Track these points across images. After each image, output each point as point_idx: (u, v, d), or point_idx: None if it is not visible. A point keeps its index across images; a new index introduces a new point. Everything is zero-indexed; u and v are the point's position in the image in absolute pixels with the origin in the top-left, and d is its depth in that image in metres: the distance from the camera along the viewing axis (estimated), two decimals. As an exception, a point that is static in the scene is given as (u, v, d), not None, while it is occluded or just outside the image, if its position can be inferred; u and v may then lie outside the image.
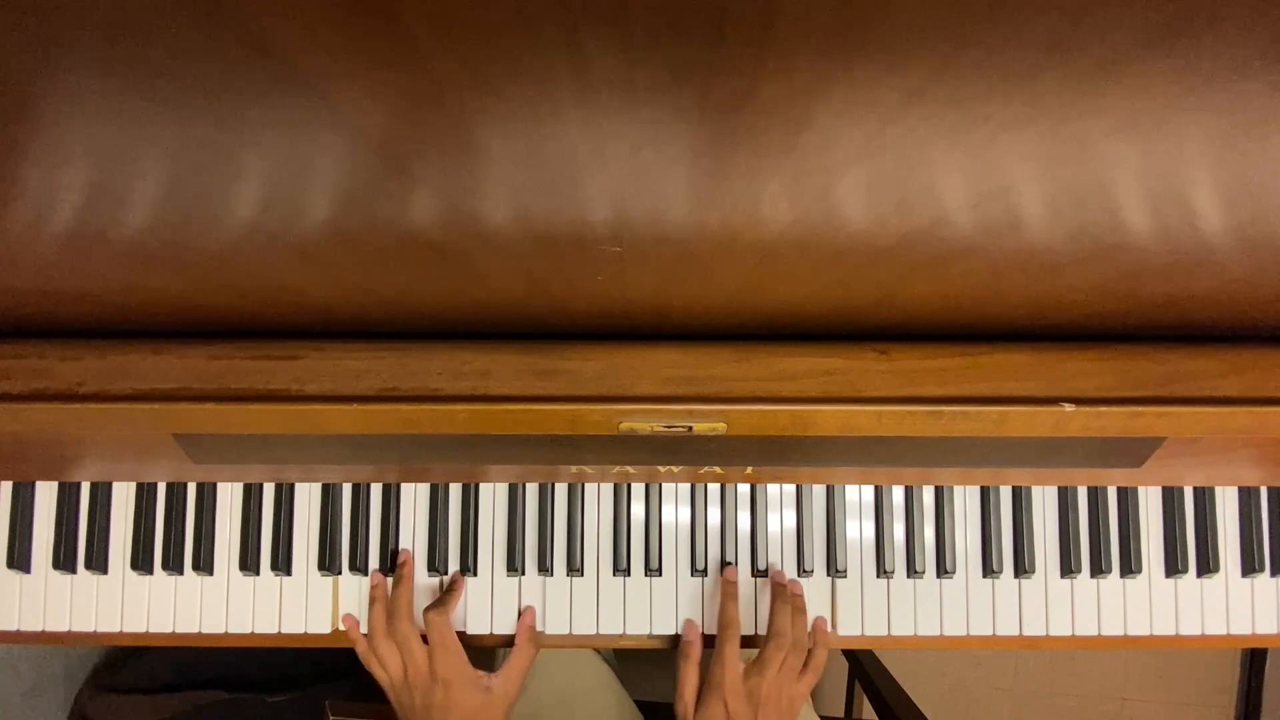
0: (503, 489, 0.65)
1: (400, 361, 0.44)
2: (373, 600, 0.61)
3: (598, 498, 0.65)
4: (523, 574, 0.64)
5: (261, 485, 0.65)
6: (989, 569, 0.64)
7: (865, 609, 0.64)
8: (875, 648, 0.74)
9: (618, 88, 0.19)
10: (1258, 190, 0.25)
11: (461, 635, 0.63)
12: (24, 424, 0.44)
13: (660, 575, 0.64)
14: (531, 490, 0.65)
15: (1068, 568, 0.63)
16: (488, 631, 0.63)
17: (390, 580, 0.63)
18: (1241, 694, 1.37)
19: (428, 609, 0.60)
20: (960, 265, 0.33)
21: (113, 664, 0.94)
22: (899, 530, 0.65)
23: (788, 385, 0.44)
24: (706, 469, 0.59)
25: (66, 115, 0.20)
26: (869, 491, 0.65)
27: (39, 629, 0.64)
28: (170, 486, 0.65)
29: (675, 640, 0.63)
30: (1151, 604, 0.64)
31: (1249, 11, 0.16)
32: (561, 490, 0.65)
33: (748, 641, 0.62)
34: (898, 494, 0.65)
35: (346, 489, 0.65)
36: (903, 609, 0.64)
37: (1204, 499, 0.64)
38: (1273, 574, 0.64)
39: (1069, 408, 0.43)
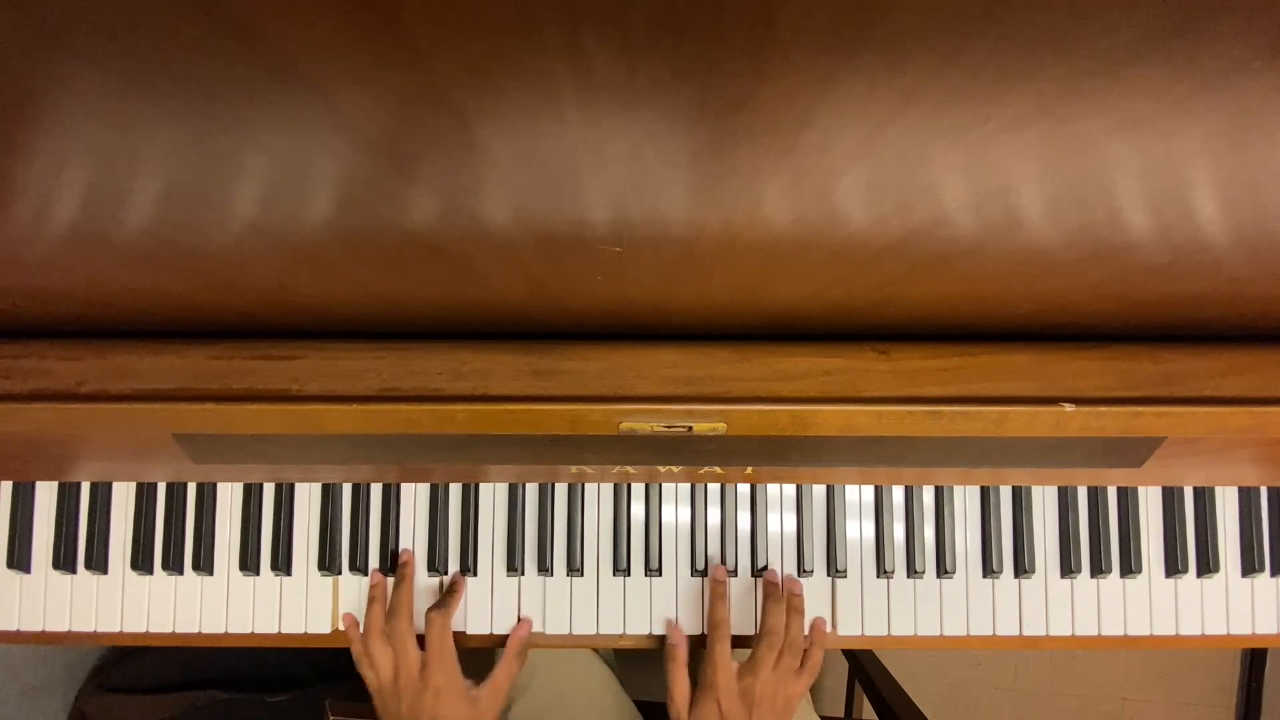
0: (503, 489, 0.65)
1: (400, 361, 0.44)
2: (372, 600, 0.61)
3: (598, 498, 0.65)
4: (522, 574, 0.64)
5: (261, 485, 0.65)
6: (989, 569, 0.64)
7: (865, 609, 0.64)
8: (875, 648, 0.74)
9: (618, 87, 0.19)
10: (1258, 190, 0.25)
11: (460, 635, 0.63)
12: (24, 424, 0.44)
13: (660, 575, 0.64)
14: (531, 490, 0.65)
15: (1068, 568, 0.63)
16: (488, 631, 0.63)
17: (390, 580, 0.63)
18: (1241, 694, 1.37)
19: (431, 609, 0.59)
20: (960, 265, 0.33)
21: (113, 664, 0.94)
22: (899, 530, 0.65)
23: (788, 385, 0.44)
24: (706, 469, 0.59)
25: (66, 115, 0.20)
26: (869, 491, 0.65)
27: (39, 629, 0.64)
28: (170, 486, 0.65)
29: (675, 640, 0.63)
30: (1151, 604, 0.64)
31: (1249, 11, 0.16)
32: (561, 490, 0.65)
33: (747, 642, 0.61)
34: (898, 494, 0.65)
35: (346, 489, 0.65)
36: (903, 609, 0.64)
37: (1204, 499, 0.64)
38: (1273, 574, 0.64)
39: (1069, 408, 0.43)
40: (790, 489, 0.65)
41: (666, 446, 0.52)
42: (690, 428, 0.45)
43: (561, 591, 0.64)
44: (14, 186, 0.25)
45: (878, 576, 0.64)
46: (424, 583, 0.64)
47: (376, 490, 0.65)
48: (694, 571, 0.64)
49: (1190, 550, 0.64)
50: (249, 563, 0.64)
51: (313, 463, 0.58)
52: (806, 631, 0.62)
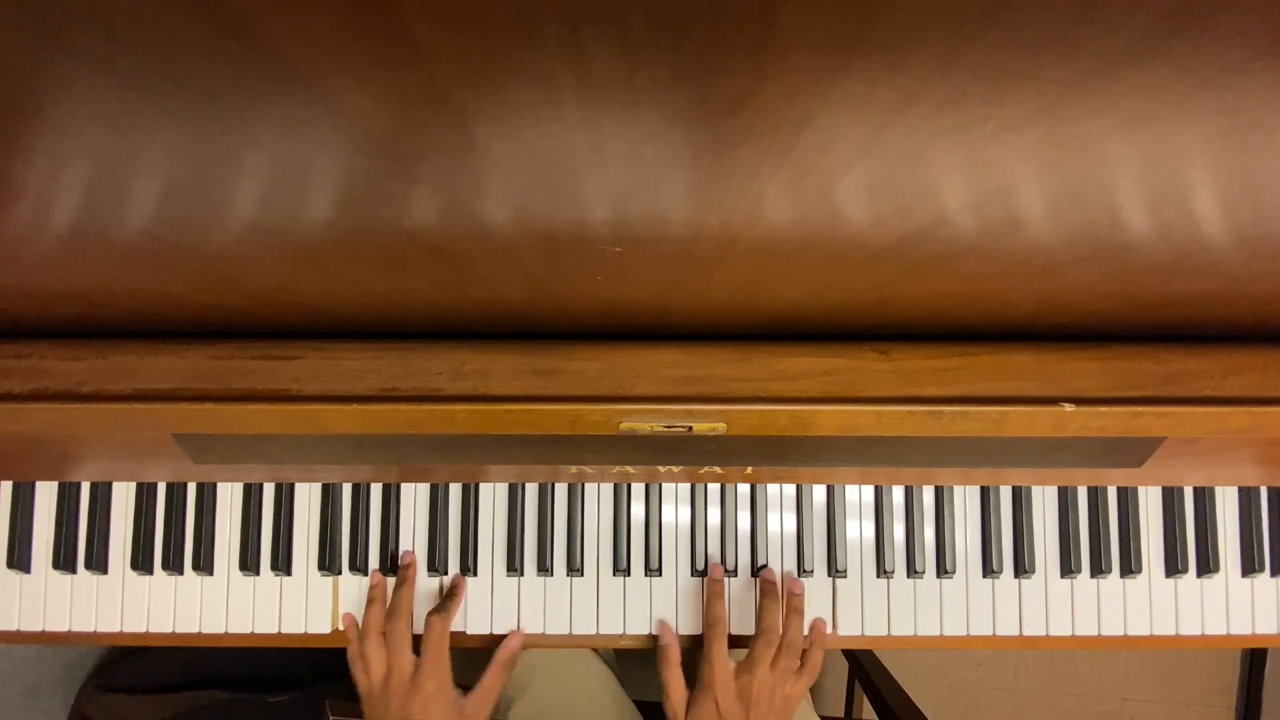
0: (503, 489, 0.65)
1: (400, 361, 0.44)
2: (371, 600, 0.61)
3: (598, 498, 0.65)
4: (522, 574, 0.64)
5: (261, 485, 0.65)
6: (989, 569, 0.64)
7: (865, 609, 0.64)
8: (875, 648, 0.74)
9: (618, 87, 0.19)
10: (1258, 190, 0.25)
11: (460, 635, 0.63)
12: (24, 424, 0.44)
13: (660, 575, 0.64)
14: (531, 490, 0.65)
15: (1068, 568, 0.63)
16: (488, 632, 0.63)
17: (391, 580, 0.63)
18: (1241, 694, 1.37)
19: (431, 613, 0.59)
20: (960, 265, 0.33)
21: (113, 664, 0.94)
22: (899, 530, 0.65)
23: (788, 385, 0.44)
24: (706, 469, 0.59)
25: (66, 115, 0.20)
26: (869, 491, 0.65)
27: (39, 629, 0.64)
28: (170, 486, 0.65)
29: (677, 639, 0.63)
30: (1151, 604, 0.64)
31: (1249, 11, 0.16)
32: (561, 490, 0.65)
33: (746, 642, 0.61)
34: (898, 494, 0.65)
35: (346, 489, 0.65)
36: (903, 609, 0.64)
37: (1204, 499, 0.64)
38: (1273, 574, 0.64)
39: (1069, 408, 0.43)
40: (790, 489, 0.65)
41: (666, 446, 0.52)
42: (690, 428, 0.45)
43: (561, 591, 0.64)
44: (14, 186, 0.25)
45: (878, 576, 0.64)
46: (424, 582, 0.64)
47: (376, 490, 0.65)
48: (694, 571, 0.64)
49: (1190, 550, 0.64)
50: (249, 563, 0.64)
51: (313, 463, 0.58)
52: (806, 632, 0.62)
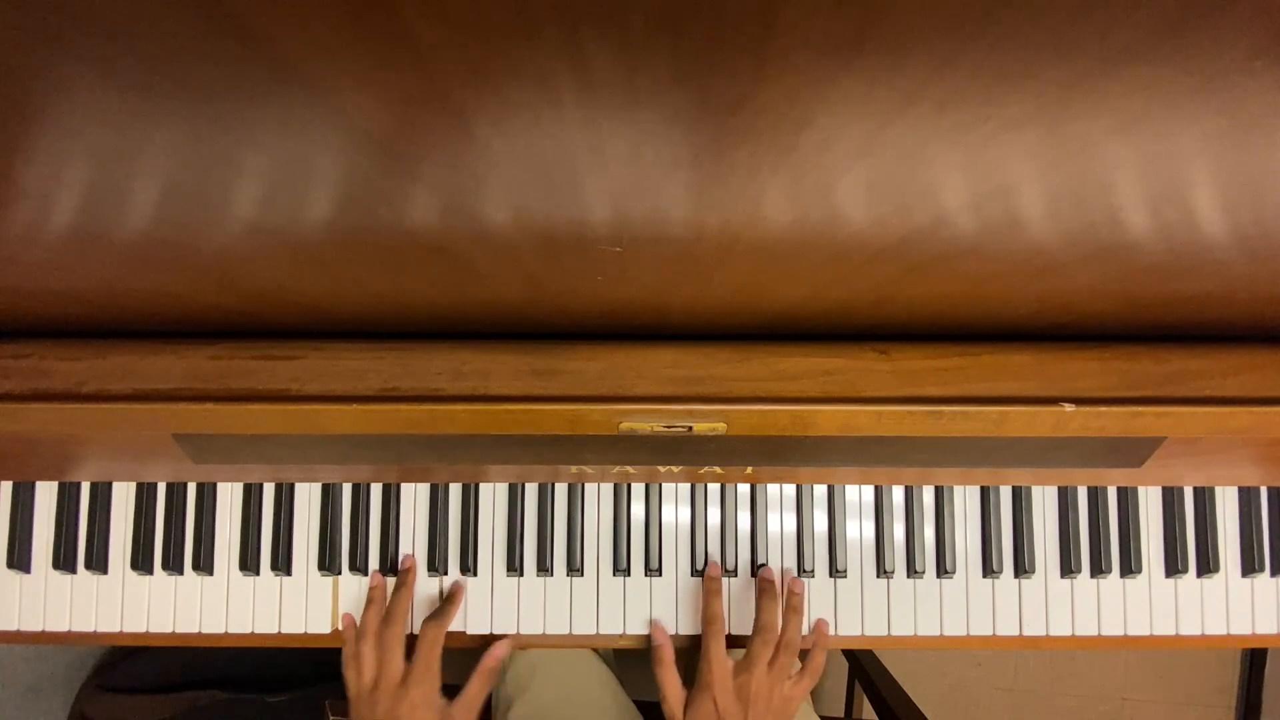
0: (503, 489, 0.65)
1: (400, 361, 0.44)
2: (370, 602, 0.61)
3: (598, 498, 0.65)
4: (522, 574, 0.64)
5: (261, 485, 0.65)
6: (989, 569, 0.64)
7: (865, 609, 0.64)
8: (875, 648, 0.74)
9: (618, 87, 0.19)
10: (1258, 190, 0.25)
11: (460, 635, 0.63)
12: (24, 424, 0.44)
13: (660, 575, 0.64)
14: (531, 490, 0.65)
15: (1068, 568, 0.63)
16: (488, 632, 0.63)
17: (391, 581, 0.63)
18: (1241, 694, 1.37)
19: (428, 619, 0.59)
20: (960, 265, 0.33)
21: (113, 664, 0.94)
22: (899, 530, 0.65)
23: (788, 385, 0.44)
24: (706, 469, 0.59)
25: (66, 115, 0.20)
26: (869, 491, 0.65)
27: (39, 629, 0.64)
28: (170, 486, 0.65)
29: (675, 640, 0.63)
30: (1151, 604, 0.64)
31: (1249, 11, 0.16)
32: (561, 490, 0.65)
33: (746, 642, 0.61)
34: (898, 494, 0.65)
35: (346, 489, 0.65)
36: (903, 609, 0.64)
37: (1204, 499, 0.64)
38: (1273, 574, 0.64)
39: (1069, 408, 0.43)
40: (790, 489, 0.65)
41: (666, 446, 0.52)
42: (690, 428, 0.45)
43: (561, 592, 0.64)
44: (14, 186, 0.25)
45: (878, 576, 0.64)
46: (424, 582, 0.64)
47: (376, 490, 0.65)
48: (694, 572, 0.64)
49: (1190, 550, 0.64)
50: (249, 563, 0.64)
51: (313, 463, 0.58)
52: (806, 631, 0.62)
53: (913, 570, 0.64)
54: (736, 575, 0.64)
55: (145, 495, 0.64)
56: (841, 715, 1.02)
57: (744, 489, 0.65)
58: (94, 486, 0.65)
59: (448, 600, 0.62)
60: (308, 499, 0.65)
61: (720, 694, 0.55)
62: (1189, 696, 1.38)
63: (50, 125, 0.21)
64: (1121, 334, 0.45)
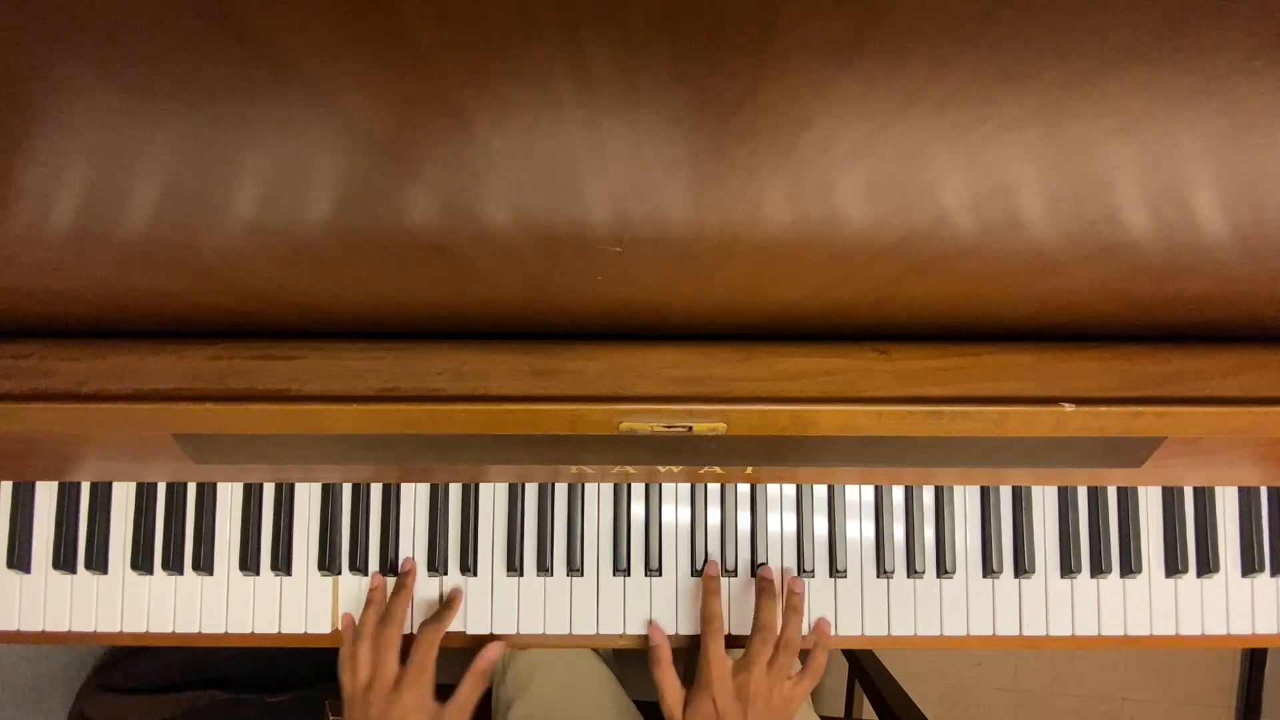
0: (503, 489, 0.65)
1: (400, 361, 0.44)
2: (369, 603, 0.61)
3: (598, 498, 0.65)
4: (522, 574, 0.64)
5: (261, 485, 0.65)
6: (989, 569, 0.64)
7: (865, 609, 0.64)
8: (875, 648, 0.74)
9: (618, 87, 0.19)
10: (1258, 190, 0.25)
11: (460, 635, 0.63)
12: (24, 424, 0.44)
13: (660, 575, 0.64)
14: (531, 490, 0.65)
15: (1068, 568, 0.63)
16: (488, 632, 0.63)
17: (392, 582, 0.63)
18: (1241, 694, 1.37)
19: (424, 623, 0.59)
20: (960, 265, 0.33)
21: (113, 664, 0.94)
22: (899, 530, 0.65)
23: (788, 385, 0.44)
24: (706, 469, 0.59)
25: (66, 115, 0.20)
26: (869, 491, 0.65)
27: (39, 629, 0.64)
28: (170, 486, 0.65)
29: (675, 640, 0.63)
30: (1151, 604, 0.64)
31: (1249, 11, 0.16)
32: (561, 490, 0.65)
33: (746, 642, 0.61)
34: (898, 494, 0.65)
35: (346, 489, 0.65)
36: (903, 609, 0.64)
37: (1204, 499, 0.64)
38: (1273, 574, 0.64)
39: (1069, 408, 0.43)
40: (790, 489, 0.65)
41: (666, 446, 0.52)
42: (690, 428, 0.45)
43: (561, 592, 0.64)
44: (14, 186, 0.25)
45: (878, 577, 0.64)
46: (424, 582, 0.64)
47: (376, 490, 0.65)
48: (694, 572, 0.64)
49: (1190, 550, 0.64)
50: (249, 563, 0.64)
51: (313, 463, 0.58)
52: (806, 631, 0.62)
53: (913, 570, 0.64)
54: (736, 575, 0.64)
55: (145, 495, 0.64)
56: (841, 715, 1.02)
57: (744, 489, 0.65)
58: (94, 486, 0.65)
59: (446, 605, 0.62)
60: (308, 499, 0.65)
61: (719, 693, 0.55)
62: (1189, 696, 1.38)
63: (50, 125, 0.21)
64: (1121, 334, 0.45)
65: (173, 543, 0.64)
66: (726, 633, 0.61)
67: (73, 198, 0.26)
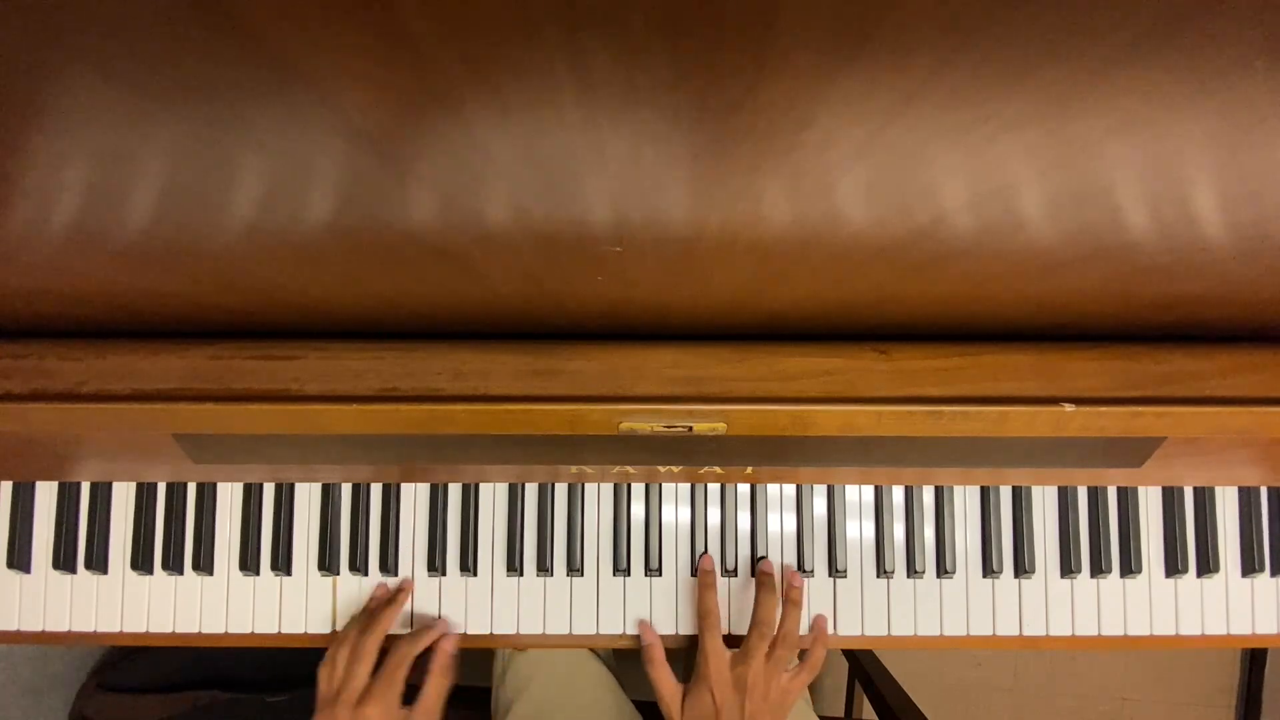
0: (503, 489, 0.65)
1: (400, 361, 0.44)
2: (363, 610, 0.61)
3: (598, 498, 0.65)
4: (522, 574, 0.64)
5: (261, 485, 0.65)
6: (989, 569, 0.64)
7: (865, 609, 0.64)
8: (875, 648, 0.74)
9: (618, 87, 0.19)
10: (1258, 190, 0.25)
11: (461, 637, 0.63)
12: (24, 424, 0.44)
13: (660, 575, 0.64)
14: (531, 490, 0.65)
15: (1068, 568, 0.63)
16: (488, 632, 0.63)
17: (392, 582, 0.63)
18: (1241, 694, 1.37)
19: (401, 638, 0.59)
20: (961, 265, 0.33)
21: (113, 664, 0.94)
22: (899, 530, 0.65)
23: (788, 385, 0.44)
24: (706, 469, 0.59)
25: (65, 115, 0.20)
26: (869, 491, 0.65)
27: (39, 629, 0.64)
28: (170, 486, 0.65)
29: (675, 640, 0.63)
30: (1151, 604, 0.64)
31: (1249, 11, 0.16)
32: (561, 490, 0.65)
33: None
34: (898, 494, 0.65)
35: (346, 489, 0.65)
36: (903, 609, 0.64)
37: (1204, 499, 0.64)
38: (1273, 574, 0.64)
39: (1069, 408, 0.43)
40: (790, 489, 0.65)
41: (666, 446, 0.52)
42: (690, 428, 0.45)
43: (561, 592, 0.64)
44: (13, 186, 0.25)
45: (878, 576, 0.64)
46: (424, 583, 0.64)
47: (376, 490, 0.65)
48: (694, 572, 0.64)
49: (1190, 550, 0.64)
50: (249, 563, 0.64)
51: (313, 463, 0.58)
52: (805, 629, 0.62)
53: (913, 570, 0.64)
54: (736, 575, 0.64)
55: (145, 495, 0.64)
56: (841, 715, 1.02)
57: (744, 489, 0.65)
58: (94, 486, 0.65)
59: (426, 626, 0.61)
60: (308, 499, 0.65)
61: (717, 686, 0.55)
62: (1189, 696, 1.38)
63: (49, 125, 0.21)
64: (1121, 334, 0.45)
65: (173, 543, 0.64)
66: (725, 631, 0.61)
67: (72, 197, 0.26)
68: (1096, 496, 0.64)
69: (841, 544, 0.64)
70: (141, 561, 0.64)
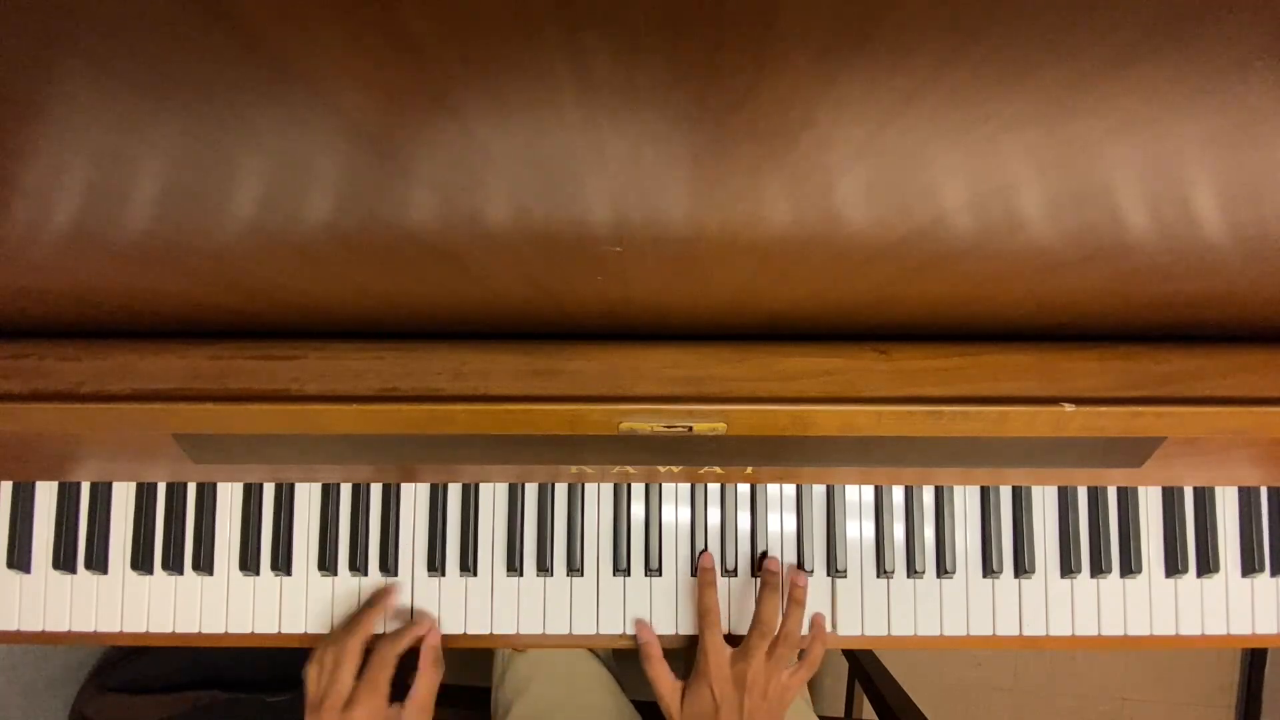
0: (503, 489, 0.65)
1: (400, 361, 0.44)
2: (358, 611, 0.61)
3: (598, 498, 0.65)
4: (522, 574, 0.64)
5: (261, 485, 0.65)
6: (989, 569, 0.64)
7: (865, 609, 0.64)
8: (875, 648, 0.74)
9: (618, 87, 0.19)
10: (1258, 190, 0.25)
11: (460, 636, 0.63)
12: (24, 424, 0.44)
13: (660, 575, 0.64)
14: (531, 490, 0.65)
15: (1068, 568, 0.63)
16: (488, 632, 0.63)
17: (392, 581, 0.63)
18: (1241, 694, 1.37)
19: (383, 638, 0.59)
20: (961, 265, 0.33)
21: (113, 664, 0.94)
22: (899, 530, 0.65)
23: (788, 385, 0.44)
24: (706, 469, 0.59)
25: (65, 115, 0.20)
26: (869, 491, 0.65)
27: (39, 629, 0.64)
28: (170, 486, 0.65)
29: (675, 639, 0.63)
30: (1151, 604, 0.64)
31: (1249, 11, 0.16)
32: (561, 490, 0.65)
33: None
34: (898, 494, 0.65)
35: (346, 489, 0.65)
36: (903, 609, 0.64)
37: (1204, 499, 0.64)
38: (1273, 574, 0.64)
39: (1069, 408, 0.43)
40: (790, 489, 0.65)
41: (666, 446, 0.52)
42: (690, 428, 0.45)
43: (561, 592, 0.64)
44: (13, 186, 0.25)
45: (878, 576, 0.64)
46: (423, 583, 0.64)
47: (376, 490, 0.65)
48: (694, 572, 0.64)
49: (1190, 550, 0.64)
50: (249, 563, 0.64)
51: (313, 463, 0.58)
52: (806, 627, 0.62)
53: (913, 570, 0.64)
54: (736, 575, 0.64)
55: (145, 495, 0.64)
56: (841, 715, 1.02)
57: (744, 489, 0.65)
58: (94, 486, 0.65)
59: (408, 625, 0.61)
60: (308, 499, 0.65)
61: (716, 682, 0.55)
62: (1189, 696, 1.38)
63: (49, 125, 0.21)
64: (1121, 334, 0.45)
65: (173, 543, 0.64)
66: (725, 631, 0.61)
67: (72, 198, 0.26)
68: (1096, 496, 0.64)
69: (841, 544, 0.64)
70: (141, 561, 0.64)
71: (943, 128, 0.21)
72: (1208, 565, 0.63)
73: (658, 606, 0.64)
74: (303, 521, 0.64)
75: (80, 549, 0.64)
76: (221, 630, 0.64)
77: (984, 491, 0.64)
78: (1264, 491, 0.64)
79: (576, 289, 0.37)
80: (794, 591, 0.61)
